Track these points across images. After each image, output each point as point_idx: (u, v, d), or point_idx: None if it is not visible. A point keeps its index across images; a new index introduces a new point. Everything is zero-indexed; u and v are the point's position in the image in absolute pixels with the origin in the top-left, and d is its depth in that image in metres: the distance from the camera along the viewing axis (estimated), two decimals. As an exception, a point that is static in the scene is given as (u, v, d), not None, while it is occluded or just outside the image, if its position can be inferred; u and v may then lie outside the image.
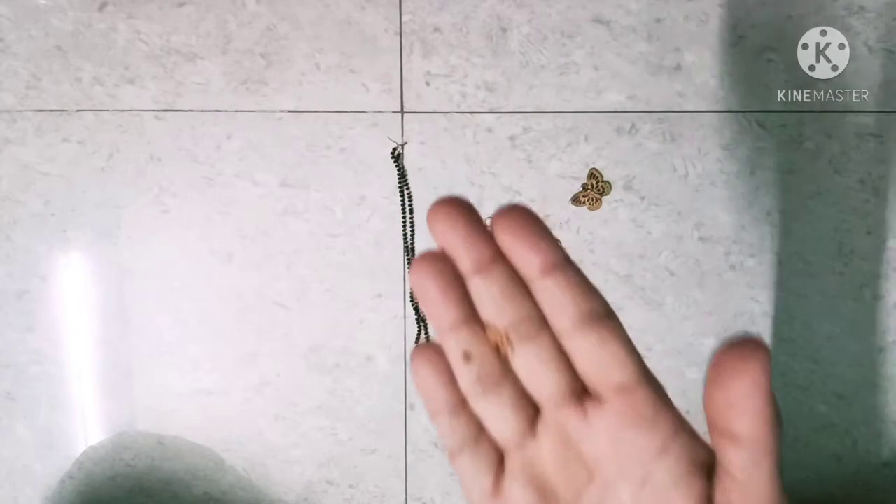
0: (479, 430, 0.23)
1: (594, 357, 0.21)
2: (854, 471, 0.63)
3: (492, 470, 0.23)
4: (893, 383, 0.62)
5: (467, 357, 0.22)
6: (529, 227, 0.20)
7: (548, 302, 0.21)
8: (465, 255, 0.21)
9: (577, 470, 0.22)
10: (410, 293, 0.63)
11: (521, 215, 0.20)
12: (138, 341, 0.65)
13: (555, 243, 0.21)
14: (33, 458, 0.67)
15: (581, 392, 0.22)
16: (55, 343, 0.65)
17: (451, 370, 0.22)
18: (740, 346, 0.18)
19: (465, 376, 0.22)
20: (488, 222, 0.21)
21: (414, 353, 0.23)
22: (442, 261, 0.21)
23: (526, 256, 0.20)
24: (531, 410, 0.22)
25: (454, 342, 0.22)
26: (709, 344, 0.62)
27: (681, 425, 0.21)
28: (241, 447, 0.66)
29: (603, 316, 0.21)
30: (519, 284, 0.21)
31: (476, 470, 0.23)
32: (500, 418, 0.22)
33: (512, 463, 0.22)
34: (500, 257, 0.21)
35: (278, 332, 0.64)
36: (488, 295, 0.21)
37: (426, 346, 0.23)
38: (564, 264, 0.21)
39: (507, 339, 0.21)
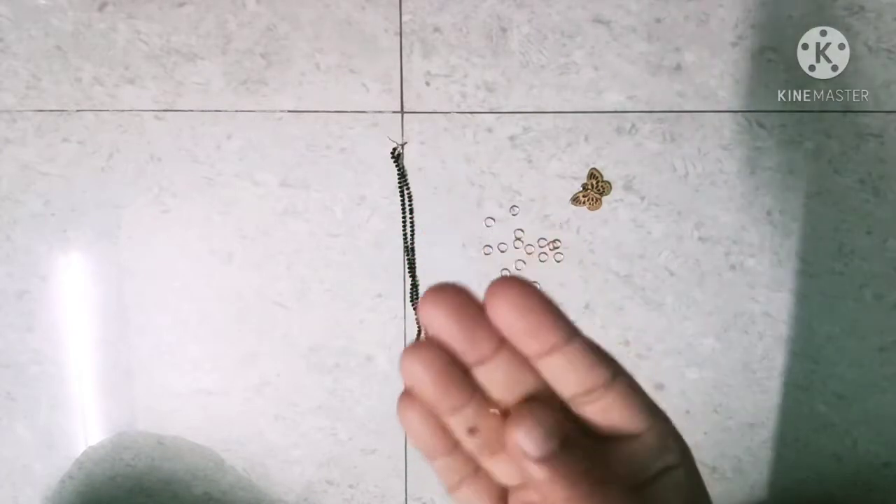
0: (476, 467, 0.22)
1: (603, 418, 0.21)
2: (854, 471, 0.63)
3: (494, 499, 0.22)
4: (893, 383, 0.62)
5: (473, 431, 0.21)
6: (523, 307, 0.19)
7: (551, 378, 0.20)
8: (466, 349, 0.20)
9: None
10: (411, 292, 0.63)
11: (512, 295, 0.19)
12: (138, 341, 0.65)
13: (552, 318, 0.20)
14: (33, 458, 0.67)
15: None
16: (55, 343, 0.65)
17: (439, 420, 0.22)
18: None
19: (471, 445, 0.21)
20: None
21: (400, 402, 0.21)
22: (436, 351, 0.20)
23: (523, 341, 0.20)
24: None
25: (458, 421, 0.21)
26: (709, 344, 0.62)
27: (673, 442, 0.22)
28: (241, 447, 0.66)
29: (609, 383, 0.20)
30: (524, 362, 0.20)
31: (478, 499, 0.22)
32: (507, 472, 0.22)
33: (515, 498, 0.22)
34: (502, 343, 0.20)
35: (278, 332, 0.64)
36: (493, 381, 0.20)
37: (411, 396, 0.21)
38: (565, 342, 0.20)
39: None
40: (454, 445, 0.22)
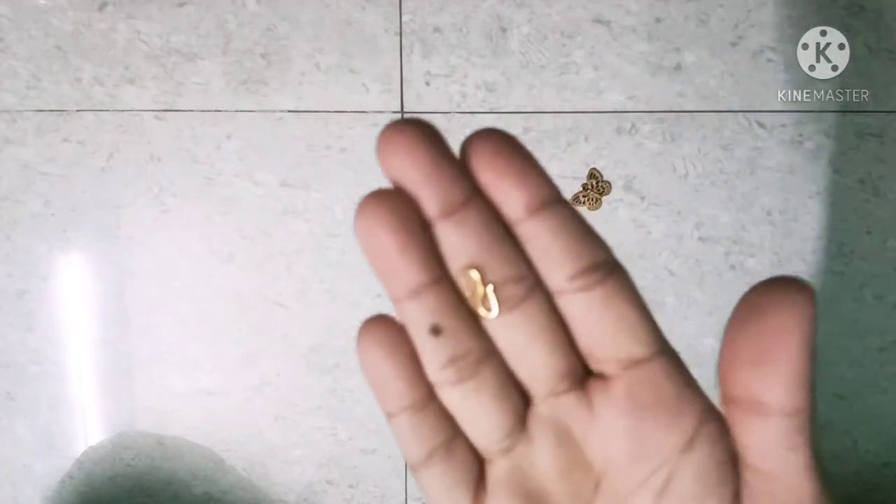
0: (451, 433, 0.17)
1: (597, 322, 0.16)
2: (854, 471, 0.63)
3: (471, 484, 0.17)
4: (893, 383, 0.62)
5: (436, 331, 0.16)
6: (511, 155, 0.16)
7: (537, 251, 0.16)
8: (429, 193, 0.15)
9: (580, 476, 0.17)
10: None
11: (500, 141, 0.16)
12: (138, 341, 0.65)
13: (543, 177, 0.16)
14: (33, 458, 0.67)
15: (583, 373, 0.17)
16: (55, 343, 0.65)
17: (412, 354, 0.16)
18: (777, 285, 0.14)
19: (434, 357, 0.16)
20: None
21: (361, 330, 0.17)
22: (397, 203, 0.15)
23: (508, 191, 0.16)
24: (519, 401, 0.17)
25: (418, 312, 0.16)
26: (709, 344, 0.62)
27: (710, 410, 0.16)
28: (241, 447, 0.66)
29: (607, 269, 0.16)
30: (501, 231, 0.16)
31: (449, 486, 0.17)
32: (480, 414, 0.16)
33: (496, 474, 0.17)
34: (475, 196, 0.16)
35: (278, 332, 0.64)
36: (461, 245, 0.16)
37: (377, 321, 0.17)
38: (556, 202, 0.16)
39: (488, 298, 0.16)
40: (425, 397, 0.17)
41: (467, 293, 0.16)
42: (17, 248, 0.64)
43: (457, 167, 0.16)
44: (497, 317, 0.16)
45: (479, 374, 0.16)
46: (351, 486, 0.67)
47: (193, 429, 0.66)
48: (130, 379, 0.65)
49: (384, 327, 0.16)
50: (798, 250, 0.60)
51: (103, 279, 0.64)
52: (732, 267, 0.61)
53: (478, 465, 0.17)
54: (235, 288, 0.64)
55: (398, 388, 0.16)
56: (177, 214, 0.63)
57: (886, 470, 0.63)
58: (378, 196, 0.15)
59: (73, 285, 0.65)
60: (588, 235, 0.16)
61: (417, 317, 0.16)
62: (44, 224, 0.64)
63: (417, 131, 0.15)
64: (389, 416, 0.17)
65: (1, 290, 0.65)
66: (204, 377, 0.65)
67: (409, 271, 0.15)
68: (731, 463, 0.16)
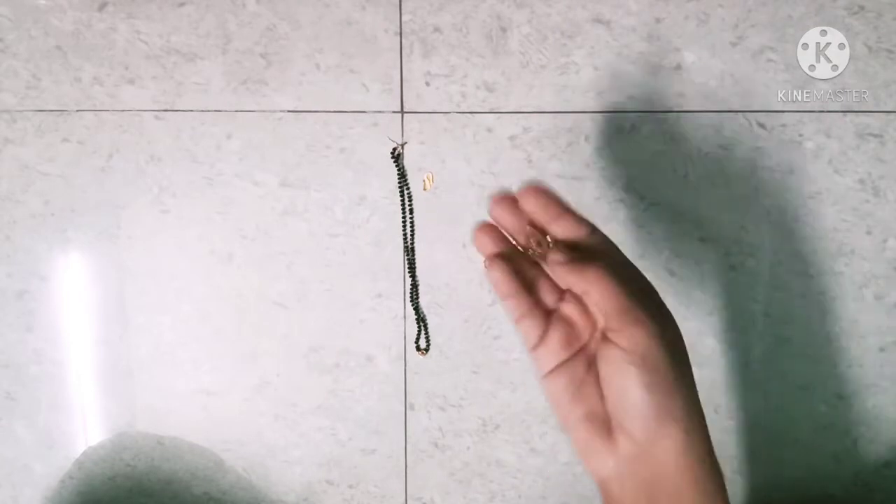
0: (548, 310, 0.41)
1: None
2: (854, 471, 0.63)
3: (542, 326, 0.41)
4: (893, 383, 0.62)
5: (538, 242, 0.41)
6: (542, 191, 0.41)
7: (557, 231, 0.41)
8: (537, 210, 0.42)
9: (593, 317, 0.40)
10: (411, 292, 0.63)
11: (533, 192, 0.42)
12: (138, 341, 0.65)
13: (559, 201, 0.41)
14: (33, 458, 0.67)
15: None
16: (55, 343, 0.65)
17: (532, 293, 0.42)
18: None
19: (533, 251, 0.42)
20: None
21: (489, 261, 0.41)
22: (509, 255, 0.42)
23: (541, 218, 0.41)
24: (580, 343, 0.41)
25: (527, 235, 0.42)
26: (709, 344, 0.62)
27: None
28: (241, 447, 0.66)
29: (589, 235, 0.41)
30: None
31: (531, 325, 0.41)
32: (549, 289, 0.42)
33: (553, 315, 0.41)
34: (529, 225, 0.42)
35: (278, 332, 0.64)
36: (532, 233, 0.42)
37: (501, 256, 0.42)
38: (561, 215, 0.42)
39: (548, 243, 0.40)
40: (530, 298, 0.41)
41: (534, 245, 0.40)
42: (17, 248, 0.64)
43: (517, 210, 0.42)
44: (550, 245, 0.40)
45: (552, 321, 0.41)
46: (351, 486, 0.67)
47: (193, 429, 0.66)
48: (130, 379, 0.65)
49: (510, 268, 0.41)
50: (798, 250, 0.60)
51: (103, 279, 0.64)
52: (732, 267, 0.61)
53: (547, 316, 0.42)
54: (235, 288, 0.64)
55: (515, 285, 0.41)
56: (177, 214, 0.63)
57: (886, 470, 0.63)
58: (498, 256, 0.42)
59: (73, 285, 0.65)
60: (566, 211, 0.42)
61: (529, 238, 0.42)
62: (44, 224, 0.64)
63: (529, 192, 0.41)
64: (511, 309, 0.42)
65: (1, 290, 0.65)
66: (204, 377, 0.65)
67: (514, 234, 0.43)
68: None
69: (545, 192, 0.40)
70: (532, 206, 0.40)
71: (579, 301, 0.40)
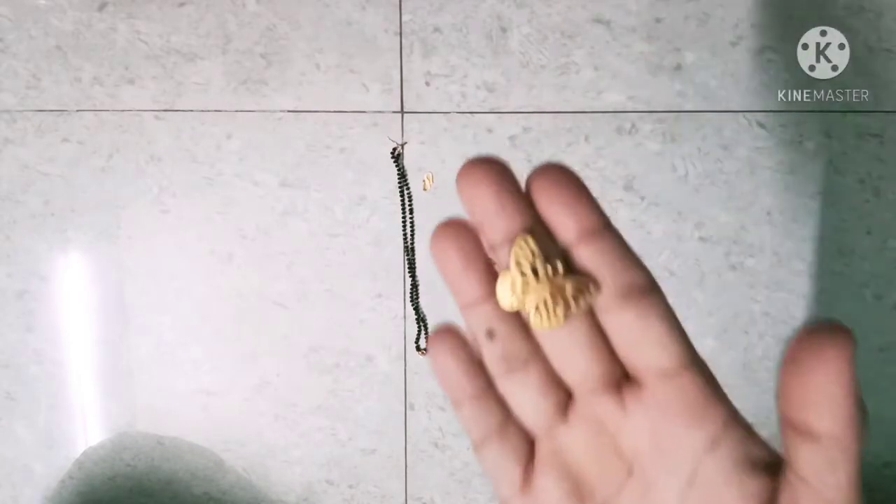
0: (505, 417, 0.21)
1: (633, 336, 0.19)
2: (854, 471, 0.63)
3: (521, 461, 0.21)
4: (893, 383, 0.62)
5: (491, 334, 0.20)
6: (567, 188, 0.18)
7: (585, 271, 0.19)
8: (496, 224, 0.19)
9: (615, 463, 0.20)
10: (411, 293, 0.63)
11: (558, 175, 0.18)
12: (138, 341, 0.65)
13: (595, 206, 0.19)
14: (33, 458, 0.67)
15: (619, 378, 0.20)
16: (55, 343, 0.65)
17: (472, 354, 0.20)
18: (821, 331, 0.17)
19: (489, 355, 0.20)
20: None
21: (431, 338, 0.21)
22: (466, 229, 0.20)
23: (562, 221, 0.19)
24: (563, 395, 0.20)
25: (477, 319, 0.20)
26: (709, 344, 0.62)
27: (733, 417, 0.20)
28: (241, 447, 0.66)
29: (644, 290, 0.19)
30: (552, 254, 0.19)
31: (504, 461, 0.21)
32: (527, 401, 0.20)
33: (543, 452, 0.20)
34: (536, 226, 0.19)
35: (278, 332, 0.64)
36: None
37: (444, 331, 0.21)
38: (604, 230, 0.19)
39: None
40: (484, 388, 0.20)
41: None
42: (17, 248, 0.64)
43: (521, 202, 0.19)
44: (544, 330, 0.19)
45: (527, 368, 0.20)
46: (351, 486, 0.67)
47: (193, 429, 0.66)
48: (130, 379, 0.65)
49: (450, 335, 0.21)
50: (798, 250, 0.60)
51: (103, 279, 0.64)
52: (732, 267, 0.61)
53: (528, 446, 0.21)
54: (235, 288, 0.64)
55: (462, 381, 0.20)
56: (177, 214, 0.63)
57: (886, 470, 0.63)
58: (450, 223, 0.20)
59: (73, 285, 0.65)
60: (629, 261, 0.19)
61: (477, 322, 0.20)
62: (44, 224, 0.64)
63: (489, 168, 0.19)
64: (456, 404, 0.21)
65: (1, 290, 0.65)
66: (204, 377, 0.65)
67: (470, 284, 0.19)
68: (756, 464, 0.19)
69: (575, 180, 0.19)
70: (552, 203, 0.19)
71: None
